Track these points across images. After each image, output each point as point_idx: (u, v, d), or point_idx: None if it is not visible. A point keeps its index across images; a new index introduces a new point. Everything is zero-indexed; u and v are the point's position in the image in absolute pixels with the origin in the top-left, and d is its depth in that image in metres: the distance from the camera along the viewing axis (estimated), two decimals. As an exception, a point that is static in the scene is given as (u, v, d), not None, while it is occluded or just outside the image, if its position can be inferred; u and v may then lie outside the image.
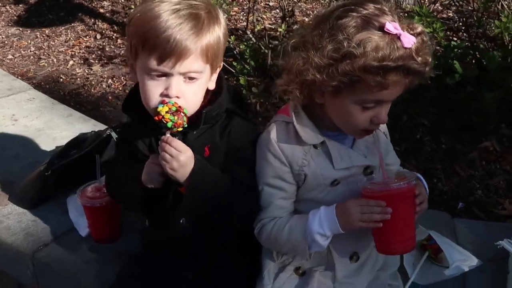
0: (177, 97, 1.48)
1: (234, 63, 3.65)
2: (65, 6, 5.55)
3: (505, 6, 3.19)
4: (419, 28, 1.41)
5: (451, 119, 3.17)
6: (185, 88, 1.50)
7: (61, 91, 4.16)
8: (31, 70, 4.51)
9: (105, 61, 4.57)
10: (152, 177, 1.55)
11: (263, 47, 3.62)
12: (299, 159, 1.58)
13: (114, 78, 4.29)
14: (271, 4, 5.37)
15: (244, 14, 5.11)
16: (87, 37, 5.05)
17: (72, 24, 5.26)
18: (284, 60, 1.53)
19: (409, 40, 1.35)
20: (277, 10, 5.29)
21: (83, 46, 4.88)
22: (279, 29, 3.59)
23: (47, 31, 5.17)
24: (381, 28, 1.36)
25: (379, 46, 1.34)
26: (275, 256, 1.74)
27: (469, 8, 3.63)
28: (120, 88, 4.14)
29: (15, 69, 4.52)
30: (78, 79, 4.34)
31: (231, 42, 3.63)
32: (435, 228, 2.05)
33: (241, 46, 3.78)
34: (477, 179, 2.89)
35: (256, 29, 3.99)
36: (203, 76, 1.53)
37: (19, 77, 4.22)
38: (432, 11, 3.91)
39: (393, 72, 1.36)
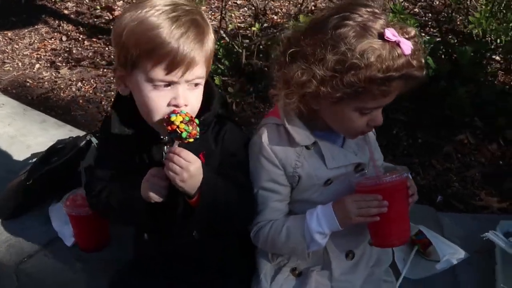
0: (185, 105, 1.46)
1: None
2: (28, 8, 5.40)
3: (474, 2, 3.26)
4: (413, 32, 1.43)
5: (426, 113, 3.23)
6: (190, 95, 1.47)
7: (28, 95, 4.06)
8: (-4, 75, 4.38)
9: (73, 63, 4.47)
10: (156, 192, 1.49)
11: (236, 47, 3.61)
12: (293, 161, 1.58)
13: (84, 81, 4.20)
14: (238, 2, 5.35)
15: (213, 13, 5.09)
16: (52, 39, 4.93)
17: (36, 26, 5.13)
18: (280, 71, 1.50)
19: (407, 47, 1.36)
20: (246, 8, 5.29)
21: (48, 49, 4.77)
22: (253, 28, 3.58)
23: (9, 34, 5.02)
24: (381, 36, 1.36)
25: (381, 56, 1.35)
26: (271, 257, 1.74)
27: (437, 3, 3.69)
28: (91, 91, 4.06)
29: (-22, 74, 4.39)
30: (46, 83, 4.23)
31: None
32: (421, 222, 2.08)
33: (214, 46, 3.75)
34: (453, 172, 2.96)
35: (228, 29, 3.97)
36: (203, 81, 1.51)
37: (-17, 83, 4.11)
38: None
39: (397, 81, 1.38)
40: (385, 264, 1.83)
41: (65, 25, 5.18)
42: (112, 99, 3.81)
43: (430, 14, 4.48)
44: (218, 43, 3.66)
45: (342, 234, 1.59)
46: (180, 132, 1.39)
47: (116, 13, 5.34)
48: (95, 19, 5.26)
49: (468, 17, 3.37)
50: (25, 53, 4.71)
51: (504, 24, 3.02)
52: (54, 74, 4.35)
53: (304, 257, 1.63)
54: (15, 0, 5.42)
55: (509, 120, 3.15)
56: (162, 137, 1.56)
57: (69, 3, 5.60)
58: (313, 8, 4.91)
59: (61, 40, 4.91)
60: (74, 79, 4.25)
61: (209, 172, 1.49)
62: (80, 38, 4.91)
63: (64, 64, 4.49)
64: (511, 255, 1.95)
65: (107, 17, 5.28)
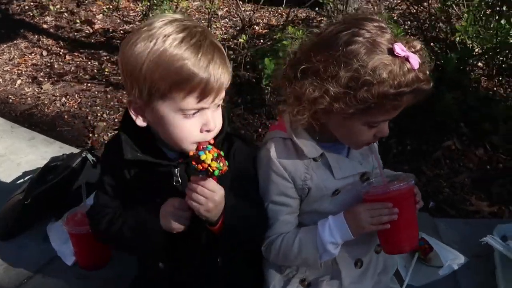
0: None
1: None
2: (5, 23, 5.35)
3: (456, 10, 3.34)
4: (418, 46, 1.45)
5: (415, 120, 3.28)
6: (216, 116, 1.47)
7: (12, 112, 4.00)
8: (-24, 92, 4.31)
9: (55, 78, 4.43)
10: (180, 222, 1.48)
11: (223, 59, 3.61)
12: (302, 174, 1.60)
13: (68, 96, 4.16)
14: (219, 13, 5.36)
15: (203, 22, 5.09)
16: (33, 54, 4.88)
17: (15, 42, 5.08)
18: (290, 87, 1.49)
19: (416, 61, 1.39)
20: (227, 19, 5.32)
21: (29, 64, 4.71)
22: (240, 40, 3.60)
23: (-12, 50, 4.96)
24: (390, 51, 1.39)
25: (393, 71, 1.37)
26: (279, 269, 1.75)
27: (414, 11, 3.77)
28: (76, 107, 4.02)
29: (-41, 92, 4.31)
30: (29, 98, 4.18)
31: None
32: (419, 229, 2.11)
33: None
34: (443, 178, 3.01)
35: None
36: None
37: (-35, 101, 4.04)
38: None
39: (408, 95, 1.41)
40: (392, 271, 1.86)
41: (44, 39, 5.13)
42: (98, 114, 3.84)
43: (409, 22, 4.58)
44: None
45: (351, 243, 1.61)
46: (212, 170, 1.37)
47: (97, 26, 5.31)
48: (75, 33, 5.22)
49: (450, 25, 3.44)
50: (5, 68, 4.64)
51: (489, 31, 3.09)
52: (36, 90, 4.29)
53: (317, 267, 1.64)
54: (-8, 15, 5.37)
55: (494, 126, 3.22)
56: (176, 161, 1.54)
57: (48, 17, 5.55)
58: (294, 18, 4.97)
59: (41, 55, 4.86)
60: (57, 94, 4.20)
61: (228, 195, 1.47)
62: (61, 53, 4.87)
63: (46, 79, 4.44)
64: (510, 259, 1.99)
65: (87, 31, 5.25)
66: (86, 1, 5.81)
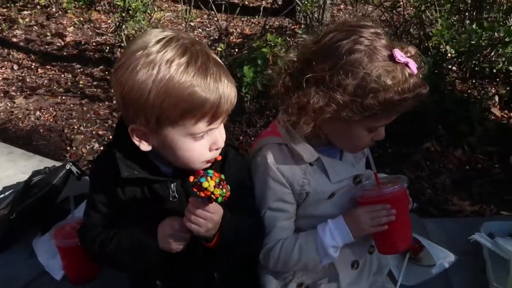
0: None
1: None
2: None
3: (430, 16, 3.41)
4: (413, 51, 1.47)
5: (394, 123, 3.32)
6: (222, 132, 1.46)
7: (-15, 127, 3.91)
8: None
9: (28, 92, 4.35)
10: (180, 243, 1.45)
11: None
12: (300, 179, 1.59)
13: (42, 110, 4.09)
14: (192, 24, 5.37)
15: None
16: (3, 68, 4.79)
17: (-16, 56, 4.97)
18: (293, 96, 1.48)
19: (414, 66, 1.41)
20: (200, 29, 5.32)
21: (0, 78, 4.61)
22: (218, 49, 3.60)
23: (-44, 66, 4.84)
24: (391, 57, 1.40)
25: (396, 78, 1.38)
26: (276, 274, 1.74)
27: (392, 17, 3.84)
28: (51, 120, 3.96)
29: None
30: (2, 113, 4.10)
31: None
32: (409, 229, 2.15)
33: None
34: (424, 179, 3.07)
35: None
36: None
37: None
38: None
39: (410, 100, 1.42)
40: (386, 270, 1.87)
41: (15, 53, 5.05)
42: (75, 127, 3.77)
43: (384, 28, 4.66)
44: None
45: (347, 245, 1.61)
46: (215, 198, 1.32)
47: (68, 39, 5.25)
48: (47, 46, 5.15)
49: (424, 30, 3.52)
50: (-25, 84, 4.54)
51: (463, 35, 3.17)
52: (9, 104, 4.21)
53: (316, 271, 1.65)
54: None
55: (471, 128, 3.30)
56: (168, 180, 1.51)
57: (17, 30, 5.46)
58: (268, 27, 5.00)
59: (12, 68, 4.77)
60: (31, 108, 4.13)
61: (225, 208, 1.44)
62: (32, 66, 4.79)
63: (18, 93, 4.37)
64: (498, 255, 2.03)
65: (59, 44, 5.19)
66: (56, 14, 5.74)
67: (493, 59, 3.81)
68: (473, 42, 3.30)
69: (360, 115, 1.43)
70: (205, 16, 5.60)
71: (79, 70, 4.66)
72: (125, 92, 1.34)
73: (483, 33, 3.14)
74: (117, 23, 4.67)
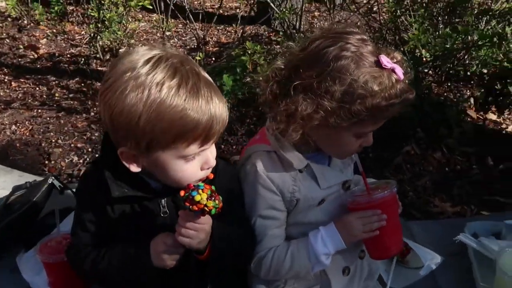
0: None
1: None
2: None
3: (406, 21, 3.46)
4: (399, 56, 1.48)
5: (374, 128, 3.36)
6: (213, 151, 1.45)
7: (-41, 144, 3.81)
8: None
9: (3, 106, 4.27)
10: (174, 259, 1.43)
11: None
12: (290, 186, 1.59)
13: (18, 124, 4.02)
14: (167, 33, 5.34)
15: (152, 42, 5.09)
16: (-25, 82, 4.69)
17: (-45, 72, 4.86)
18: (280, 105, 1.48)
19: (400, 72, 1.42)
20: (176, 39, 5.30)
21: (-28, 93, 4.52)
22: (197, 57, 3.59)
23: None
24: (378, 63, 1.41)
25: (383, 83, 1.39)
26: (267, 283, 1.73)
27: (369, 23, 3.89)
28: (27, 134, 3.88)
29: None
30: (-24, 129, 4.00)
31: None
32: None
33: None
34: (406, 182, 3.10)
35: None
36: None
37: None
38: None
39: (397, 106, 1.44)
40: (376, 275, 1.88)
41: (-14, 67, 4.95)
42: (53, 140, 3.71)
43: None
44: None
45: (338, 251, 1.62)
46: (209, 210, 1.32)
47: (41, 51, 5.18)
48: (19, 59, 5.07)
49: (399, 35, 3.57)
50: None
51: (438, 39, 3.23)
52: (-17, 119, 4.12)
53: (308, 279, 1.65)
54: None
55: (449, 130, 3.35)
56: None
57: (-13, 44, 5.37)
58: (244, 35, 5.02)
59: (-16, 83, 4.68)
60: (6, 122, 4.05)
61: (215, 219, 1.43)
62: (6, 80, 4.71)
63: (-8, 107, 4.28)
64: (483, 255, 2.06)
65: (32, 56, 5.11)
66: (28, 26, 5.66)
67: (467, 62, 3.89)
68: (447, 46, 3.36)
69: (348, 121, 1.43)
70: (180, 25, 5.59)
71: (54, 83, 4.59)
72: (114, 115, 1.31)
73: (458, 36, 3.20)
74: (92, 34, 4.63)
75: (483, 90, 3.74)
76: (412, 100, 1.47)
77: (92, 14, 4.45)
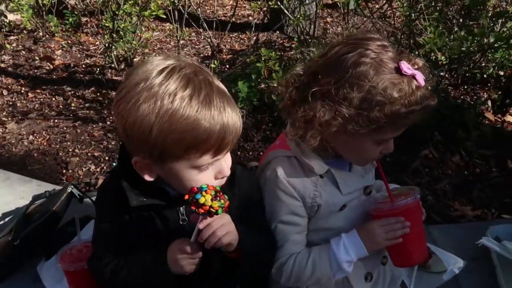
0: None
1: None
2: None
3: (420, 25, 3.44)
4: (421, 63, 1.47)
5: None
6: (228, 159, 1.44)
7: (-22, 154, 3.85)
8: None
9: (20, 117, 4.31)
10: (193, 265, 1.42)
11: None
12: (311, 192, 1.58)
13: (35, 134, 4.05)
14: (181, 42, 5.36)
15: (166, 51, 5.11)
16: (-8, 94, 4.74)
17: (-27, 84, 4.93)
18: (299, 111, 1.47)
19: (421, 78, 1.41)
20: (189, 47, 5.33)
21: (-11, 105, 4.57)
22: (212, 65, 3.60)
23: None
24: (398, 70, 1.40)
25: (403, 90, 1.38)
26: (288, 290, 1.72)
27: (383, 28, 3.88)
28: (45, 144, 3.92)
29: None
30: (-6, 139, 4.05)
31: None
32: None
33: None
34: (425, 186, 3.08)
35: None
36: None
37: None
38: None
39: (418, 113, 1.42)
40: (399, 281, 1.86)
41: (3, 78, 5.01)
42: (70, 149, 3.74)
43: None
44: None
45: (360, 258, 1.60)
46: (215, 210, 1.31)
47: (57, 62, 5.22)
48: (36, 70, 5.12)
49: (414, 39, 3.55)
50: (-34, 111, 4.49)
51: (455, 42, 3.21)
52: (1, 130, 4.16)
53: (330, 286, 1.63)
54: None
55: (467, 133, 3.32)
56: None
57: (4, 56, 5.43)
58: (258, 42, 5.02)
59: (1, 94, 4.72)
60: (24, 132, 4.08)
61: (238, 224, 1.43)
62: (22, 91, 4.75)
63: (10, 118, 4.32)
64: (507, 258, 2.04)
65: (47, 67, 5.16)
66: (44, 38, 5.72)
67: (483, 64, 3.86)
68: (463, 48, 3.33)
69: (366, 128, 1.42)
70: (194, 34, 5.61)
71: (70, 93, 4.63)
72: (127, 126, 1.31)
73: (473, 39, 3.17)
74: (106, 44, 4.66)
75: (500, 92, 3.71)
76: (434, 106, 1.44)
77: (106, 24, 4.48)
